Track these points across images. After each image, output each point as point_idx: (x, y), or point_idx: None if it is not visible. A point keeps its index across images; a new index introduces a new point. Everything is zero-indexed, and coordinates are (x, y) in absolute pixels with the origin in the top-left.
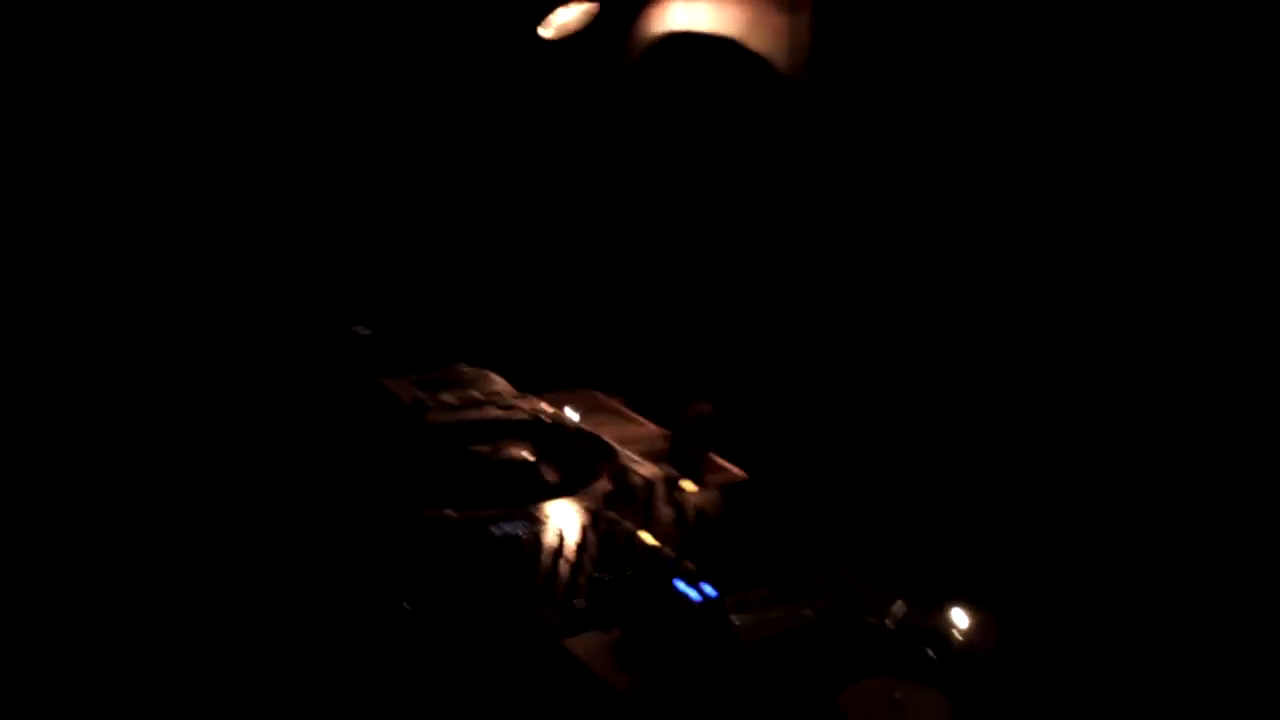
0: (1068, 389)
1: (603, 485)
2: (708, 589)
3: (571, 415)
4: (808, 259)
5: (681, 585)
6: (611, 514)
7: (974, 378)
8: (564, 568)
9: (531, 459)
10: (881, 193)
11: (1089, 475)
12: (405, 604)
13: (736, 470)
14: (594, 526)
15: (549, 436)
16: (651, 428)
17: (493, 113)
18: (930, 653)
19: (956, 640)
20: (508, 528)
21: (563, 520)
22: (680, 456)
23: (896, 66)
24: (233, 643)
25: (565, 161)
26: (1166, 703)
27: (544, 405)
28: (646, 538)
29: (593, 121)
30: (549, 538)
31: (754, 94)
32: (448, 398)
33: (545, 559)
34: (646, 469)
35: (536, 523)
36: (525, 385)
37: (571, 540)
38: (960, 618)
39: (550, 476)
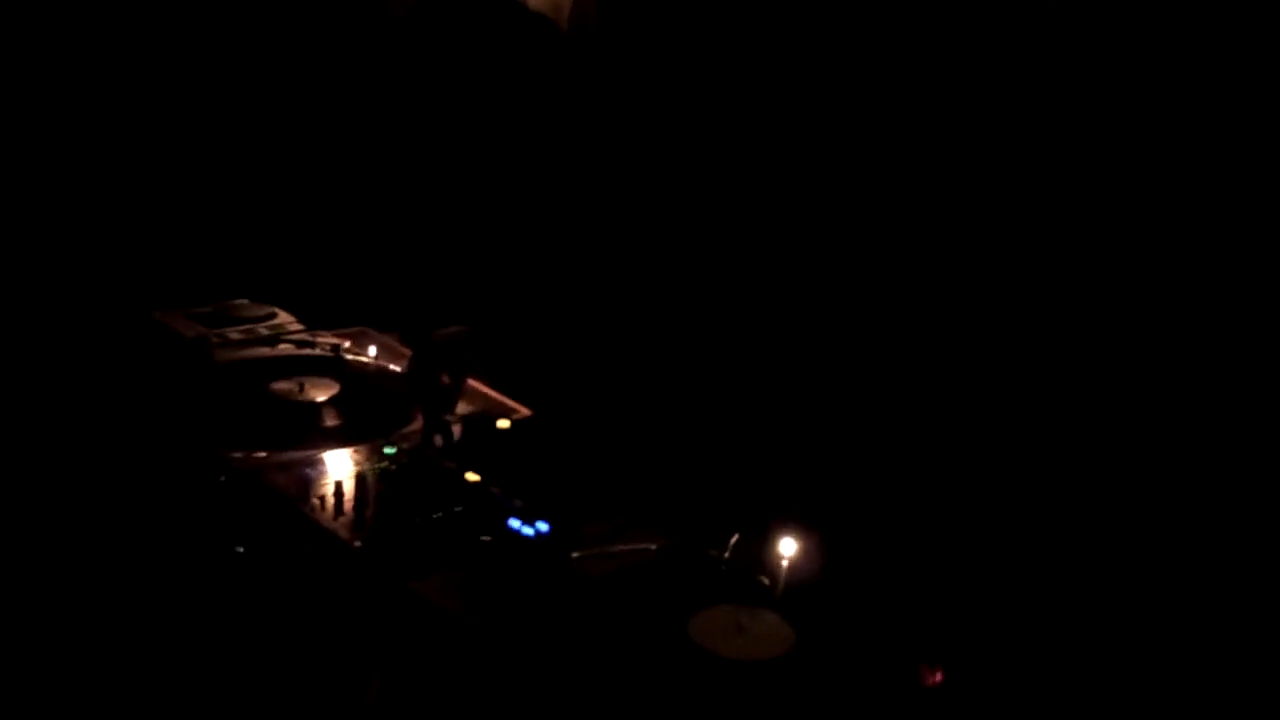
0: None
1: (415, 424)
2: (541, 525)
3: (371, 351)
4: (599, 194)
5: (515, 523)
6: (432, 452)
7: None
8: (390, 509)
9: (338, 397)
10: (663, 135)
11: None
12: (238, 548)
13: (516, 404)
14: (415, 466)
15: (352, 375)
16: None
17: (264, 41)
18: (764, 580)
19: (787, 568)
20: (321, 470)
21: (381, 461)
22: (423, 380)
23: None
24: (64, 602)
25: (335, 100)
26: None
27: (344, 341)
28: (472, 476)
29: (365, 53)
30: (369, 479)
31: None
32: (233, 334)
33: (369, 501)
34: (460, 406)
35: (353, 464)
36: (312, 323)
37: (394, 481)
38: (789, 546)
39: (363, 415)
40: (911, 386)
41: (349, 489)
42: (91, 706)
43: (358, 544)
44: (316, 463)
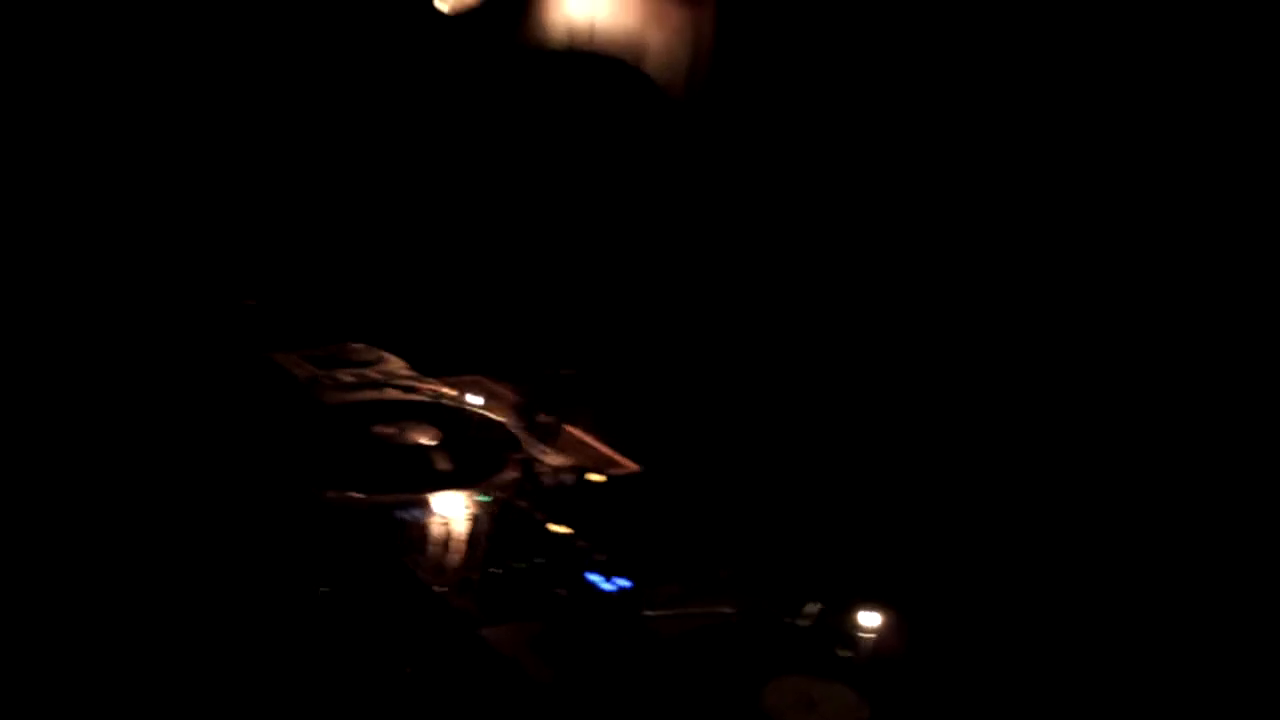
0: (973, 388)
1: (511, 473)
2: (621, 581)
3: (474, 400)
4: (701, 252)
5: (594, 577)
6: (521, 503)
7: (879, 373)
8: (472, 557)
9: (436, 444)
10: (774, 192)
11: (998, 480)
12: (322, 588)
13: (624, 460)
14: (502, 516)
15: (452, 422)
16: (543, 417)
17: (388, 88)
18: (842, 652)
19: (867, 640)
20: (417, 514)
21: (469, 509)
22: (531, 420)
23: (800, 64)
24: (145, 625)
25: (459, 144)
26: (1077, 698)
27: (445, 389)
28: (557, 528)
29: (486, 103)
30: (456, 526)
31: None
32: (344, 376)
33: (452, 547)
34: (554, 459)
35: (442, 510)
36: (423, 369)
37: (479, 530)
38: (870, 618)
39: (455, 464)
40: (1013, 475)
41: (439, 533)
42: None
43: (438, 588)
44: (411, 505)
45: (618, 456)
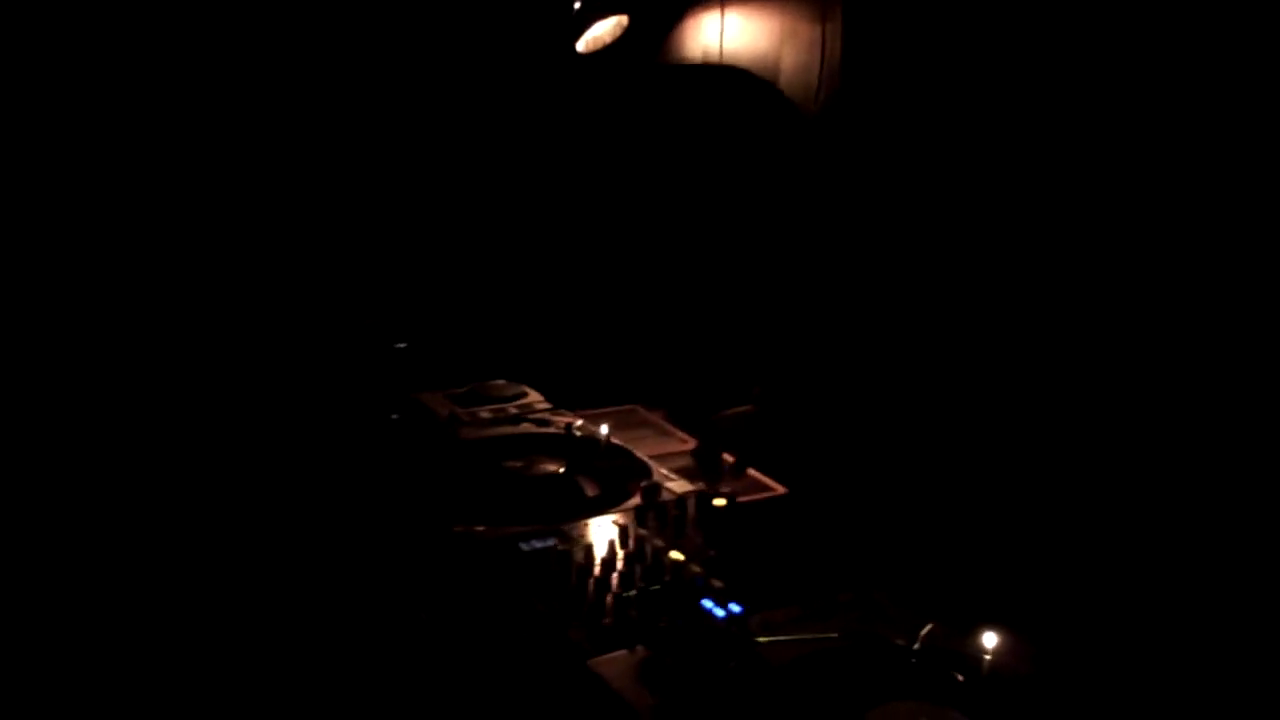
0: (1111, 422)
1: (634, 501)
2: (734, 607)
3: (602, 430)
4: (851, 275)
5: (708, 604)
6: (642, 531)
7: (1012, 403)
8: (592, 586)
9: (562, 475)
10: (912, 205)
11: (1125, 503)
12: (423, 615)
13: (773, 483)
14: (623, 544)
15: (581, 452)
16: (689, 442)
17: (531, 127)
18: (959, 676)
19: (986, 663)
20: (537, 544)
21: (593, 537)
22: (706, 460)
23: (924, 76)
24: (260, 654)
25: (605, 177)
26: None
27: (576, 420)
28: (675, 555)
29: (629, 137)
30: (578, 555)
31: (783, 108)
32: (483, 413)
33: (574, 577)
34: (678, 485)
35: (567, 540)
36: (564, 401)
37: (600, 558)
38: (989, 640)
39: (583, 493)
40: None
41: (560, 563)
42: None
43: (546, 614)
44: (535, 535)
45: (767, 480)
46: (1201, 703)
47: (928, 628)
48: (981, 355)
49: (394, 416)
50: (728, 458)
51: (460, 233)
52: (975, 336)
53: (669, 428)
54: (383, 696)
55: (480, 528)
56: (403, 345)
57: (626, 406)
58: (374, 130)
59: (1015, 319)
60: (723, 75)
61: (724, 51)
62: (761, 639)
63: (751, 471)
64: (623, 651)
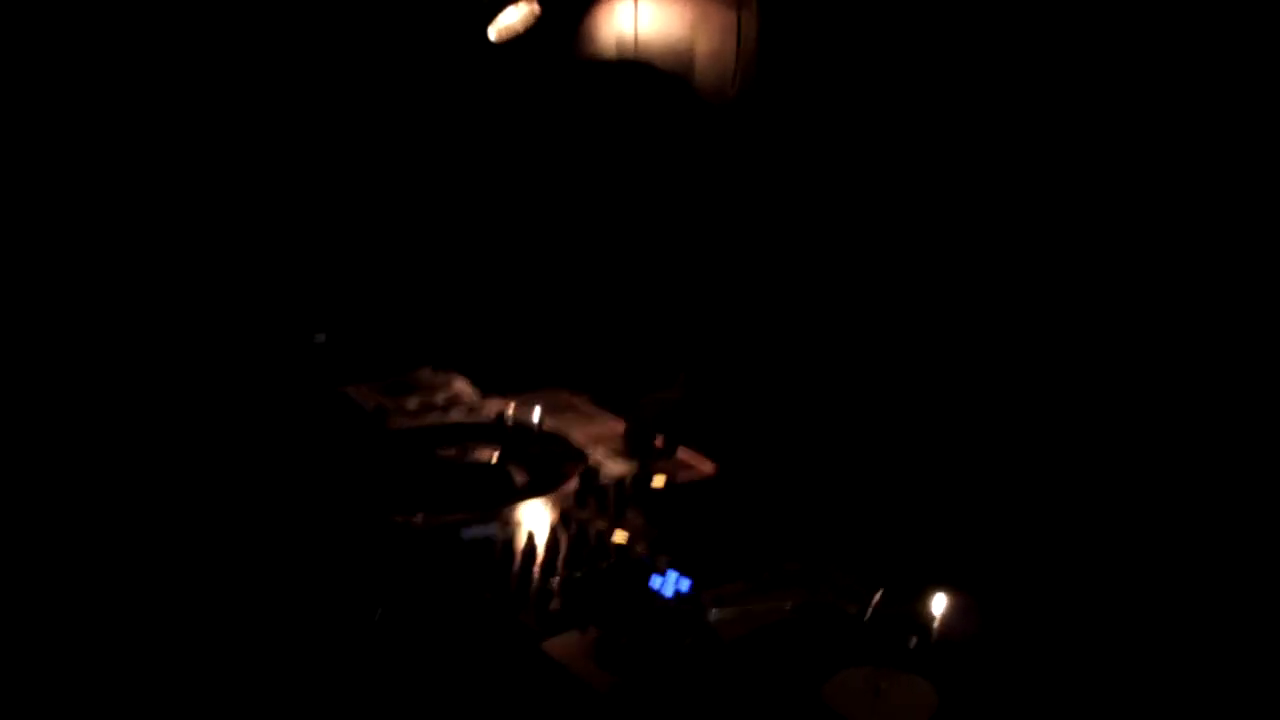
0: (1034, 372)
1: (572, 485)
2: (682, 585)
3: (535, 415)
4: (771, 251)
5: (656, 582)
6: (583, 514)
7: (941, 364)
8: (537, 570)
9: (498, 461)
10: (828, 189)
11: (1067, 456)
12: (379, 609)
13: (702, 461)
14: (565, 527)
15: (514, 438)
16: (619, 425)
17: (443, 116)
18: (911, 639)
19: (936, 626)
20: (478, 531)
21: (533, 522)
22: (637, 442)
23: (841, 61)
24: (206, 652)
25: (519, 163)
26: (1151, 685)
27: (508, 407)
28: (619, 536)
29: (544, 124)
30: (520, 540)
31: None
32: (410, 403)
33: (517, 561)
34: (615, 467)
35: (507, 525)
36: (490, 387)
37: (543, 542)
38: (939, 603)
39: (518, 479)
40: (1072, 450)
41: (502, 548)
42: None
43: (497, 601)
44: (475, 522)
45: (697, 458)
46: (1153, 657)
47: (878, 594)
48: (902, 326)
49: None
50: (658, 439)
51: (374, 224)
52: (894, 309)
53: (595, 410)
54: (339, 688)
55: (419, 516)
56: (321, 338)
57: (550, 390)
58: (285, 120)
59: (928, 286)
60: (632, 69)
61: (638, 38)
62: (713, 614)
63: (681, 451)
64: (575, 633)
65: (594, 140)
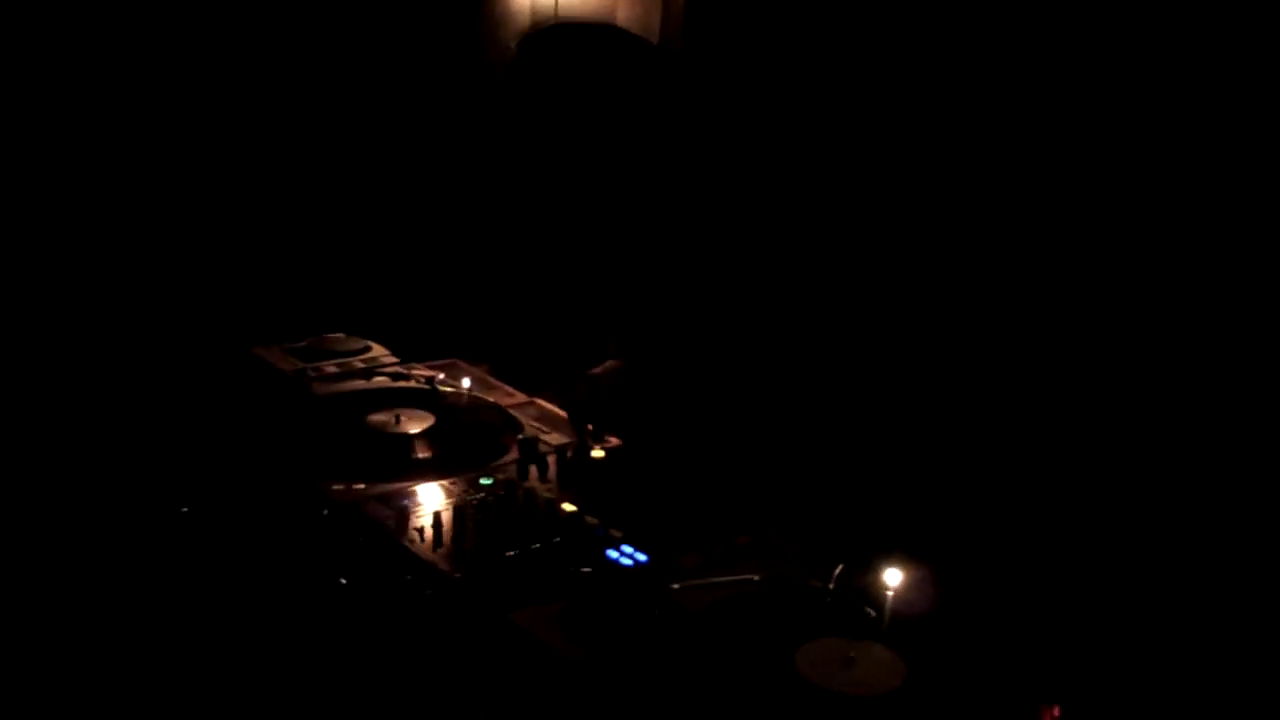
0: (993, 331)
1: (512, 455)
2: (639, 556)
3: (465, 383)
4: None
5: (613, 554)
6: (529, 484)
7: (894, 327)
8: (488, 540)
9: (434, 429)
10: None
11: (1026, 419)
12: (341, 580)
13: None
14: (511, 497)
15: (446, 406)
16: (520, 396)
17: (361, 77)
18: (870, 612)
19: (893, 598)
20: (421, 501)
21: (478, 492)
22: (580, 429)
23: (773, 34)
24: (160, 626)
25: (426, 129)
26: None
27: (438, 374)
28: (568, 506)
29: (460, 89)
30: (467, 511)
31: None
32: (329, 367)
33: (467, 532)
34: (553, 437)
35: (450, 496)
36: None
37: (490, 514)
38: (894, 576)
39: (452, 447)
40: (1022, 412)
41: (447, 520)
42: None
43: (457, 575)
44: (414, 494)
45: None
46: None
47: (839, 568)
48: (851, 286)
49: None
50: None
51: (282, 184)
52: (842, 270)
53: (494, 382)
54: (304, 671)
55: (360, 485)
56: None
57: (448, 361)
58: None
59: (875, 244)
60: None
61: (553, 6)
62: (676, 585)
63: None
64: (539, 605)
65: (515, 103)
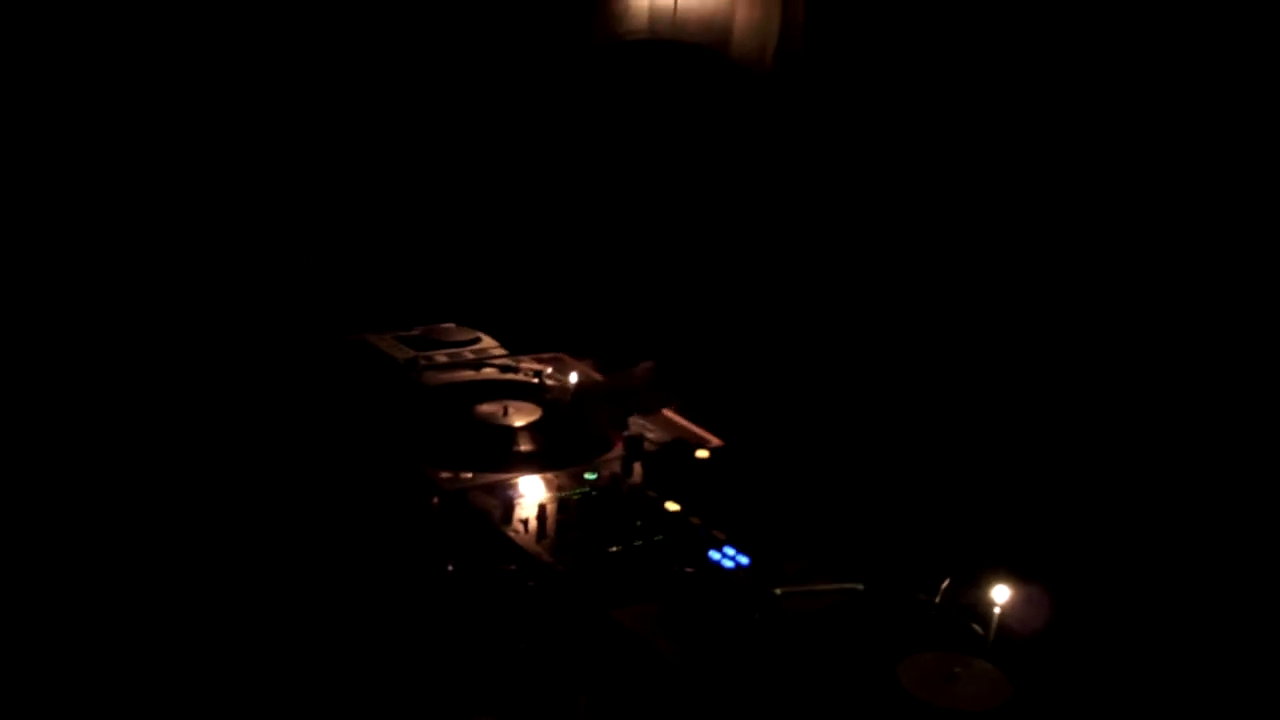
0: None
1: (618, 452)
2: (741, 559)
3: (572, 378)
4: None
5: (715, 555)
6: (632, 481)
7: (995, 344)
8: (592, 535)
9: (540, 422)
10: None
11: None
12: (448, 566)
13: (711, 436)
14: (615, 494)
15: (553, 400)
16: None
17: (467, 77)
18: (977, 628)
19: (1000, 615)
20: (526, 493)
21: (582, 486)
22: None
23: (893, 41)
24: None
25: (528, 130)
26: (1216, 671)
27: (546, 368)
28: (672, 506)
29: (564, 92)
30: (571, 505)
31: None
32: (439, 357)
33: (570, 526)
34: (656, 435)
35: (554, 489)
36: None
37: (595, 507)
38: (1002, 593)
39: (558, 440)
40: (1142, 430)
41: (551, 513)
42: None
43: (560, 568)
44: (519, 486)
45: (703, 432)
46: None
47: (945, 581)
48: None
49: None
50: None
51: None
52: (937, 293)
53: (597, 377)
54: (409, 654)
55: (468, 475)
56: (312, 257)
57: (552, 355)
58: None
59: (967, 278)
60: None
61: (671, 8)
62: (778, 590)
63: (677, 418)
64: (640, 604)
65: (621, 117)
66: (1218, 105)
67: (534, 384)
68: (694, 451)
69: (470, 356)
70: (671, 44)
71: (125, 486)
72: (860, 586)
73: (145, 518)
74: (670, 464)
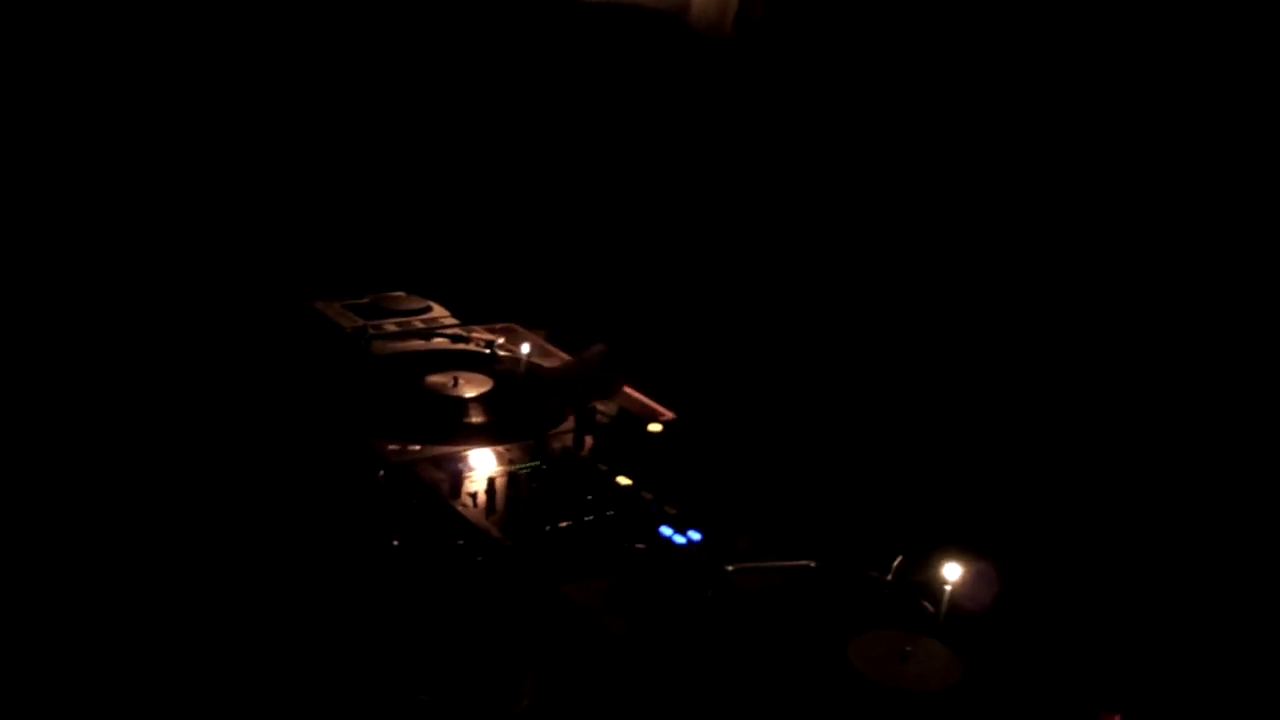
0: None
1: (568, 424)
2: (693, 534)
3: (524, 349)
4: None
5: (667, 531)
6: (582, 454)
7: (957, 324)
8: (541, 510)
9: (492, 393)
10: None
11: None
12: (394, 541)
13: (657, 405)
14: (566, 467)
15: (504, 372)
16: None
17: (419, 42)
18: (928, 606)
19: (952, 594)
20: (474, 465)
21: (532, 460)
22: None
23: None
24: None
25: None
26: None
27: (498, 338)
28: (623, 480)
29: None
30: (521, 478)
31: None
32: (389, 326)
33: (520, 500)
34: (607, 407)
35: (504, 462)
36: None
37: (545, 481)
38: (954, 571)
39: (509, 413)
40: (1094, 404)
41: (500, 487)
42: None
43: (509, 543)
44: (468, 459)
45: (656, 405)
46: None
47: (898, 559)
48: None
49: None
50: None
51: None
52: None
53: (550, 348)
54: (359, 627)
55: (415, 447)
56: (263, 221)
57: (504, 325)
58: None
59: (918, 252)
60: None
61: None
62: (730, 567)
63: (630, 391)
64: (589, 579)
65: (577, 84)
66: (1216, 91)
67: (485, 354)
68: (646, 425)
69: (420, 326)
70: (630, 9)
71: (59, 453)
72: (813, 563)
73: (81, 486)
74: (622, 438)
